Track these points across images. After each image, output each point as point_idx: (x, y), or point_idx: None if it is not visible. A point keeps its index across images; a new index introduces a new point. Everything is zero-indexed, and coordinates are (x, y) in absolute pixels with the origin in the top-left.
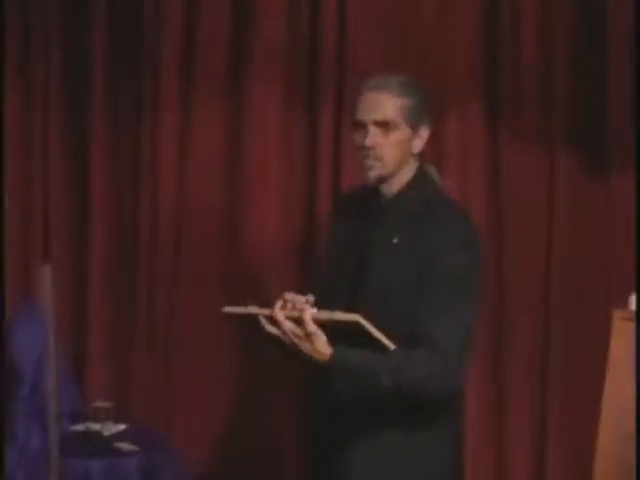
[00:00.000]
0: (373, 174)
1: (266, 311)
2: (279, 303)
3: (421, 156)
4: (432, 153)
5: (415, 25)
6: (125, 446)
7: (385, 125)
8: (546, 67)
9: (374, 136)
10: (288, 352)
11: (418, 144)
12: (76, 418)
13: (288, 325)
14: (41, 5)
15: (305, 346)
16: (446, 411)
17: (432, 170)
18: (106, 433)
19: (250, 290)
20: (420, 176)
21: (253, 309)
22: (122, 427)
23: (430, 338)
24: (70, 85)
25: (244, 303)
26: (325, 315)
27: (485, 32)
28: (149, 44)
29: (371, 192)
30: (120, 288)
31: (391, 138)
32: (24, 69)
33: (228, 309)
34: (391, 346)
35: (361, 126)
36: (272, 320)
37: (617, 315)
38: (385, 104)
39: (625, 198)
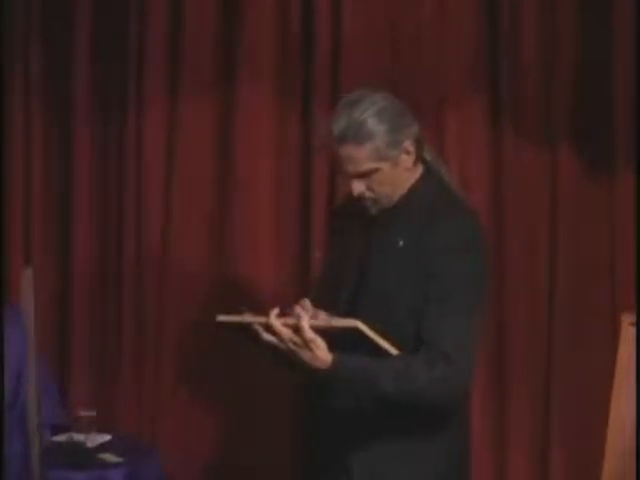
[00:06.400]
0: (373, 211)
1: (262, 319)
2: (275, 310)
3: (420, 157)
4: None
5: (412, 20)
6: (110, 457)
7: (364, 174)
8: (548, 64)
9: (358, 187)
10: (286, 361)
11: (406, 160)
12: (59, 428)
13: (286, 333)
14: (23, 4)
15: (304, 354)
16: (450, 420)
17: (440, 167)
18: (90, 444)
19: (241, 292)
20: (425, 178)
21: (248, 317)
22: (107, 437)
23: (435, 343)
24: (53, 84)
25: (238, 310)
26: (323, 321)
27: (485, 29)
28: (134, 42)
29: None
30: (105, 292)
31: (375, 180)
32: (5, 69)
33: (222, 318)
34: (393, 351)
35: (345, 175)
36: (268, 328)
37: (625, 320)
38: (354, 157)
39: (630, 197)
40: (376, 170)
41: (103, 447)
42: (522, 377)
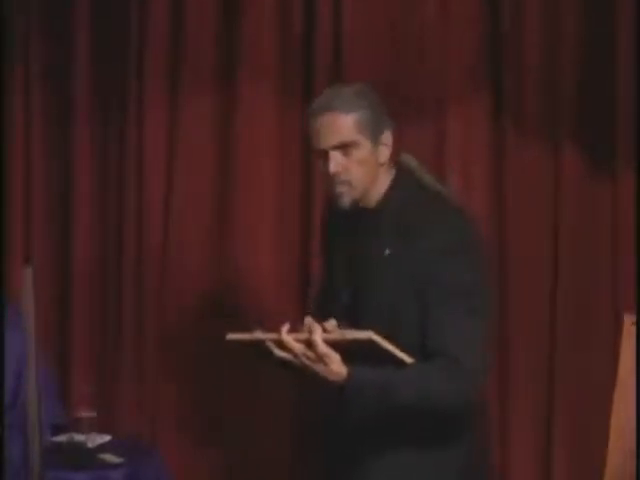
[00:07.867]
0: (345, 200)
1: (273, 335)
2: (286, 326)
3: (394, 161)
4: (435, 153)
5: (414, 20)
6: (110, 458)
7: (344, 147)
8: (550, 64)
9: (336, 161)
10: (301, 375)
11: (384, 153)
12: (59, 429)
13: (299, 348)
14: (23, 4)
15: (319, 368)
16: (463, 433)
17: (416, 168)
18: (90, 444)
19: (242, 292)
20: (399, 182)
21: (258, 334)
22: (107, 438)
23: (440, 348)
24: (53, 84)
25: (248, 328)
26: (336, 334)
27: (487, 28)
28: (134, 42)
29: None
30: (105, 292)
31: (354, 157)
32: (5, 69)
33: (232, 336)
34: (408, 360)
35: (322, 154)
36: (281, 344)
37: (627, 320)
38: (337, 125)
39: (631, 197)
40: (357, 144)
41: (103, 447)
42: (524, 377)
